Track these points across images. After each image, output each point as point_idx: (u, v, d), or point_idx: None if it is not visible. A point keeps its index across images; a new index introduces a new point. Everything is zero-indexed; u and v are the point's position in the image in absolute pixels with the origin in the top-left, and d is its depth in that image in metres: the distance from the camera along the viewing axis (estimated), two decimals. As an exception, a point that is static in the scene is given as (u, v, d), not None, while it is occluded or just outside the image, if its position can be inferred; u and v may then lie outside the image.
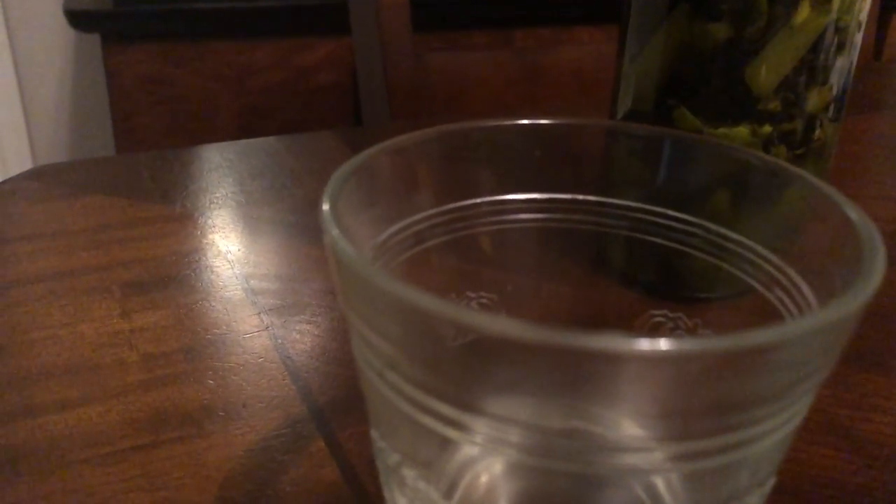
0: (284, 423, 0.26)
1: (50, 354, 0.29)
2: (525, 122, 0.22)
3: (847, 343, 0.15)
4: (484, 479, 0.20)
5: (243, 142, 0.51)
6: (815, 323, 0.14)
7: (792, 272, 0.19)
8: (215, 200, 0.43)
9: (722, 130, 0.29)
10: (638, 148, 0.22)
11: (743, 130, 0.29)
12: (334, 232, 0.16)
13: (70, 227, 0.39)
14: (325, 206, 0.17)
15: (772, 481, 0.17)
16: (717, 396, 0.14)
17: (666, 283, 0.23)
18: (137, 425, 0.26)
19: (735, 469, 0.16)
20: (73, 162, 0.48)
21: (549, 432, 0.15)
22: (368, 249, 0.19)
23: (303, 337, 0.31)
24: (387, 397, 0.16)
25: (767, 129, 0.29)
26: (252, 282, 0.34)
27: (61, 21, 1.32)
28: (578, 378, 0.13)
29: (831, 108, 0.30)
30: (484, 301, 0.23)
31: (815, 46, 0.28)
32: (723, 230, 0.21)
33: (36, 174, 0.46)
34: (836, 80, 0.29)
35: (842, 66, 0.29)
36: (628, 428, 0.19)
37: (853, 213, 0.17)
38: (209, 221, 0.40)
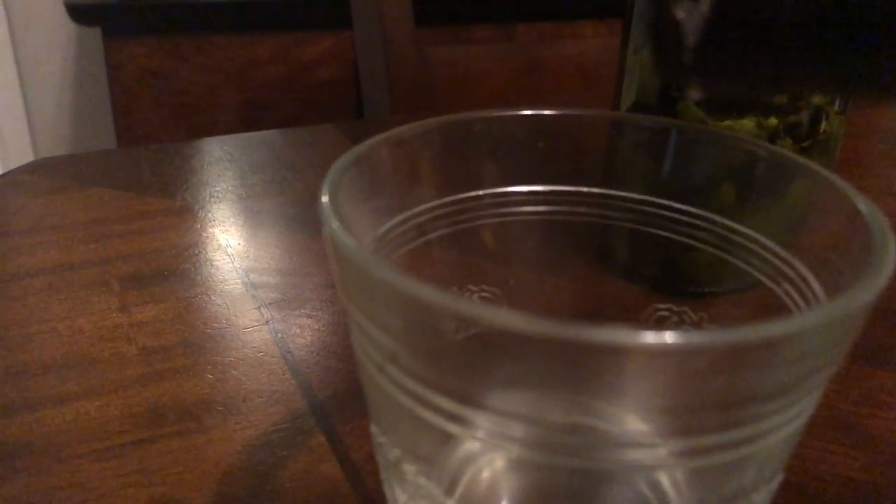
0: (284, 418, 0.26)
1: (48, 348, 0.29)
2: (527, 112, 0.22)
3: (856, 338, 0.14)
4: (486, 474, 0.20)
5: (244, 135, 0.51)
6: (823, 317, 0.13)
7: (800, 265, 0.18)
8: (216, 194, 0.42)
9: (727, 123, 0.29)
10: (642, 139, 0.22)
11: (748, 123, 0.28)
12: (334, 224, 0.15)
13: (70, 220, 0.39)
14: (325, 198, 0.17)
15: (779, 478, 0.17)
16: (724, 391, 0.14)
17: (671, 277, 0.23)
18: (136, 420, 0.26)
19: (742, 465, 0.15)
20: (72, 155, 0.48)
21: (552, 427, 0.15)
22: (368, 242, 0.19)
23: (303, 331, 0.30)
24: (387, 391, 0.16)
25: (773, 121, 0.28)
26: (252, 276, 0.34)
27: (62, 15, 1.32)
28: (582, 372, 0.13)
29: (837, 99, 0.29)
30: (486, 294, 0.23)
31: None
32: (729, 223, 0.20)
33: (35, 167, 0.46)
34: (842, 72, 0.29)
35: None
36: (632, 423, 0.19)
37: (863, 204, 0.17)
38: (209, 215, 0.40)
